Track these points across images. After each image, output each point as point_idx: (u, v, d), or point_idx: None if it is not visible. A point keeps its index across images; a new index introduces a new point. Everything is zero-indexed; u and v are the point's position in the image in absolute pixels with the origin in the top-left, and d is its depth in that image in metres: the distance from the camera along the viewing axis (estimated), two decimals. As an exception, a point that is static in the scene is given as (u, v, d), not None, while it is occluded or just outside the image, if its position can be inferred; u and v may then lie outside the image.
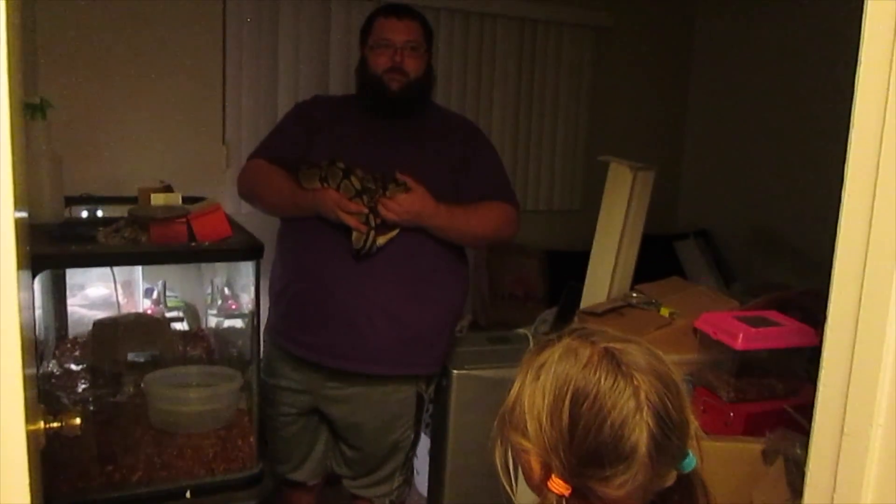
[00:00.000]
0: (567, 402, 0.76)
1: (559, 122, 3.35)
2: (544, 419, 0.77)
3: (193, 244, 1.50)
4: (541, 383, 0.79)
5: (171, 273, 2.48)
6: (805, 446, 1.41)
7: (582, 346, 0.80)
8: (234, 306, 2.37)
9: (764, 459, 1.46)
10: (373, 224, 1.73)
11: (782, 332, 1.65)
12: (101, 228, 1.58)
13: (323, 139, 1.87)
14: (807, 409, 1.55)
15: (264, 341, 1.93)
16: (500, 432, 0.84)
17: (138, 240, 1.51)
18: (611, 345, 0.79)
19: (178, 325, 2.36)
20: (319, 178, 1.75)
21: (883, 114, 0.79)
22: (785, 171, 2.99)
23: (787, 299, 1.99)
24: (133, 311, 2.34)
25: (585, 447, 0.75)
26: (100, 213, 2.23)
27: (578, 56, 3.31)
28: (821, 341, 1.67)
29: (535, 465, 0.80)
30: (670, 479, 0.81)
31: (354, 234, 1.72)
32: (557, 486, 0.76)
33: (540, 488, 0.80)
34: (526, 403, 0.79)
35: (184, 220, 1.50)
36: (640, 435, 0.75)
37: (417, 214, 1.75)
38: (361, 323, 1.78)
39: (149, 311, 2.37)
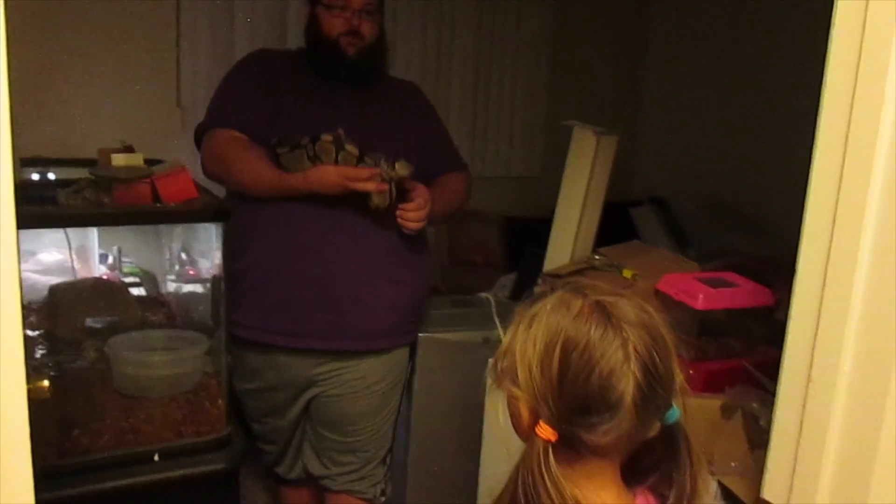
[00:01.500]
0: (557, 351, 0.79)
1: (518, 88, 3.36)
2: (534, 367, 0.80)
3: (159, 205, 1.47)
4: (532, 333, 0.81)
5: (126, 239, 2.43)
6: (762, 401, 1.48)
7: (574, 298, 0.82)
8: (192, 272, 2.34)
9: (723, 414, 1.51)
10: (390, 177, 1.65)
11: (740, 293, 1.70)
12: (59, 190, 1.54)
13: (286, 112, 1.76)
14: (764, 367, 1.62)
15: (234, 348, 1.79)
16: (493, 377, 0.86)
17: (101, 201, 1.48)
18: (602, 298, 0.82)
19: (136, 291, 2.32)
20: (308, 158, 1.64)
21: (854, 81, 0.82)
22: (739, 140, 3.05)
23: (739, 264, 2.05)
24: (89, 276, 2.29)
25: (573, 395, 0.78)
26: (51, 176, 2.17)
27: (538, 22, 3.32)
28: (776, 302, 1.73)
29: (524, 412, 0.82)
30: (654, 430, 0.84)
31: (375, 196, 1.65)
32: (545, 431, 0.79)
33: (528, 434, 0.82)
34: (517, 352, 0.82)
35: (148, 180, 1.47)
36: (627, 385, 0.78)
37: (428, 204, 1.72)
38: (367, 297, 1.74)
39: (105, 278, 2.33)
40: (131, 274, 2.44)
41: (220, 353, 1.71)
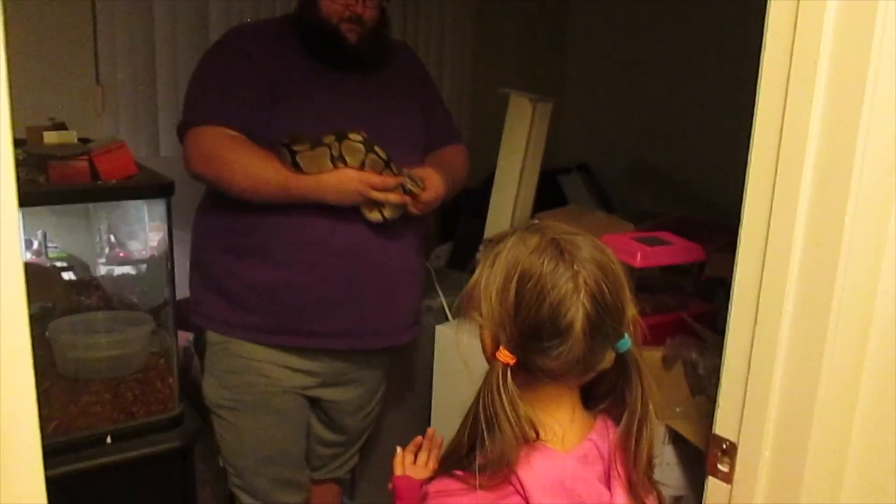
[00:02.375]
0: (514, 282, 0.85)
1: (444, 60, 3.38)
2: (494, 297, 0.87)
3: (99, 182, 1.44)
4: (495, 267, 0.88)
5: (52, 223, 2.34)
6: (700, 351, 1.56)
7: (532, 235, 0.89)
8: (122, 254, 2.29)
9: (664, 365, 1.59)
10: (416, 190, 1.52)
11: (674, 250, 1.79)
12: (-13, 171, 1.48)
13: (284, 103, 1.57)
14: (698, 318, 1.71)
15: (221, 349, 1.64)
16: (462, 311, 0.93)
17: (36, 180, 1.43)
18: (558, 235, 0.88)
19: (66, 276, 2.26)
20: (331, 158, 1.47)
21: (791, 46, 0.87)
22: (661, 106, 3.15)
23: (665, 226, 2.14)
24: (14, 262, 2.21)
25: (527, 322, 0.85)
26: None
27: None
28: (706, 257, 1.82)
29: (488, 339, 0.90)
30: (609, 361, 0.91)
31: (390, 208, 1.53)
32: (504, 356, 0.86)
33: (491, 360, 0.89)
34: (482, 285, 0.89)
35: (86, 157, 1.43)
36: (577, 314, 0.84)
37: (439, 196, 1.61)
38: (397, 291, 1.65)
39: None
40: (59, 258, 2.36)
41: (165, 332, 1.69)
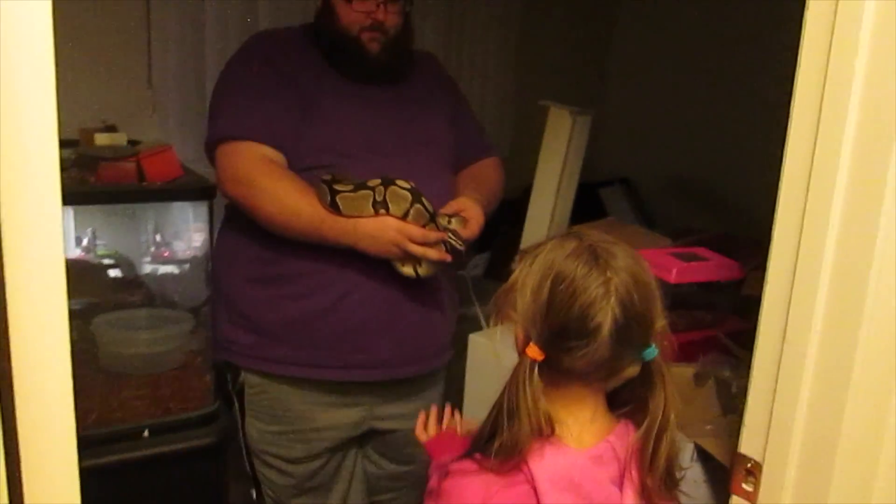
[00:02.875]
0: (549, 282, 0.89)
1: (488, 71, 3.39)
2: (528, 295, 0.91)
3: (145, 184, 1.49)
4: (532, 267, 0.92)
5: (101, 221, 2.42)
6: (733, 369, 1.55)
7: (570, 241, 0.93)
8: (166, 253, 2.35)
9: (696, 381, 1.58)
10: (459, 246, 1.42)
11: (711, 267, 1.77)
12: (41, 170, 1.54)
13: (313, 118, 1.49)
14: (734, 336, 1.70)
15: (255, 388, 1.58)
16: (497, 308, 0.97)
17: (86, 180, 1.49)
18: (595, 243, 0.92)
19: (112, 273, 2.33)
20: (373, 203, 1.36)
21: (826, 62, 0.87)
22: (704, 121, 3.12)
23: (705, 242, 2.12)
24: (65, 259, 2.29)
25: (557, 321, 0.88)
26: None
27: (504, 1, 3.34)
28: (744, 276, 1.80)
29: (520, 334, 0.93)
30: (634, 369, 0.93)
31: (426, 265, 1.43)
32: (532, 351, 0.90)
33: (519, 356, 0.92)
34: (519, 283, 0.93)
35: (134, 159, 1.48)
36: (605, 318, 0.87)
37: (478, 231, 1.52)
38: (435, 316, 1.57)
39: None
40: (106, 256, 2.44)
41: (203, 331, 1.73)
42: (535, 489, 0.90)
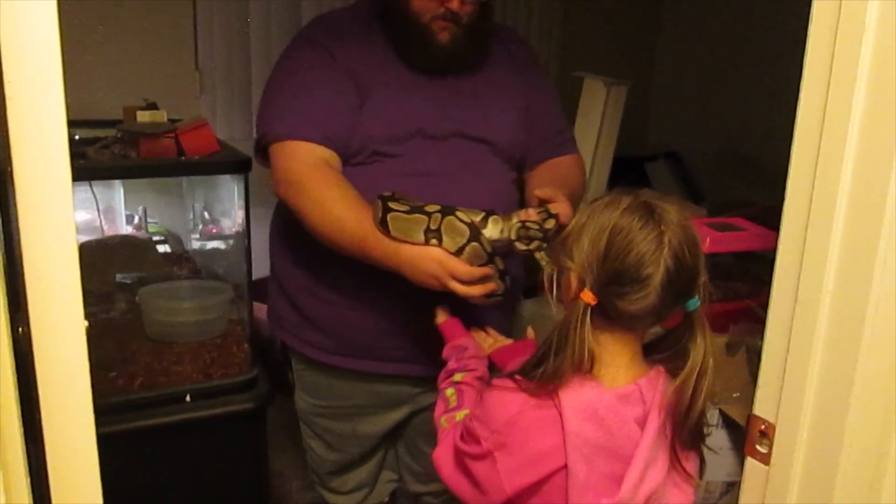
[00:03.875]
0: (606, 234, 0.96)
1: (531, 40, 3.37)
2: (586, 245, 0.97)
3: (183, 158, 1.54)
4: (588, 221, 0.99)
5: (151, 199, 2.51)
6: (762, 336, 1.53)
7: (626, 197, 0.99)
8: (214, 230, 2.43)
9: (727, 351, 1.57)
10: (495, 292, 1.24)
11: (745, 237, 1.75)
12: (86, 147, 1.61)
13: (372, 111, 1.41)
14: (767, 307, 1.67)
15: (301, 365, 1.59)
16: (553, 256, 1.06)
17: (128, 155, 1.55)
18: (649, 199, 0.98)
19: (161, 249, 2.42)
20: (426, 231, 1.21)
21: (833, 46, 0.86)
22: (752, 93, 3.06)
23: (752, 216, 2.09)
24: (116, 234, 2.38)
25: (613, 268, 0.95)
26: (76, 137, 2.25)
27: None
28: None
29: (574, 281, 0.99)
30: (676, 318, 1.00)
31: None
32: (587, 296, 0.96)
33: (573, 300, 0.98)
34: (574, 234, 1.00)
35: (172, 135, 1.54)
36: (658, 268, 0.94)
37: None
38: (482, 318, 1.42)
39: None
40: (156, 233, 2.53)
41: (242, 300, 1.79)
42: (560, 415, 0.97)
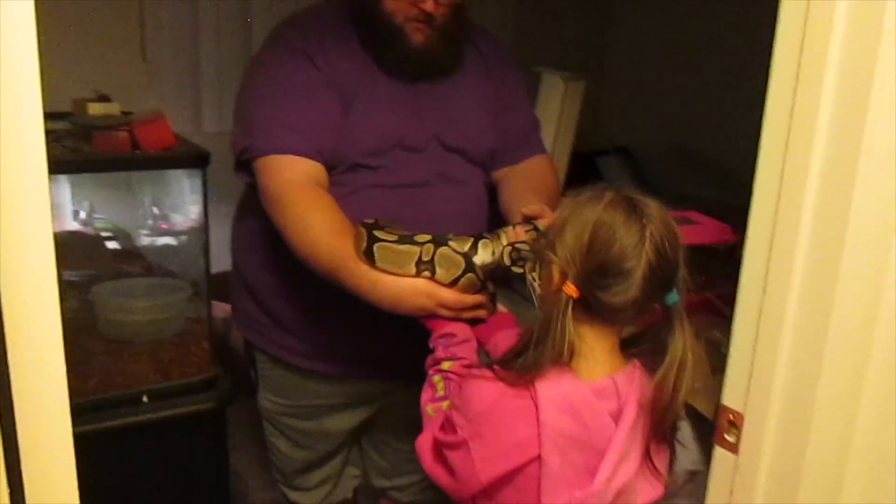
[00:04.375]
0: (590, 228, 0.97)
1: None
2: (570, 239, 0.99)
3: (139, 152, 1.50)
4: (572, 215, 1.00)
5: (98, 194, 2.44)
6: (724, 331, 1.57)
7: (608, 192, 1.00)
8: (164, 226, 2.37)
9: (687, 342, 1.60)
10: (494, 306, 1.25)
11: (702, 230, 1.79)
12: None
13: (352, 118, 1.37)
14: (725, 299, 1.71)
15: (267, 365, 1.56)
16: (534, 252, 1.08)
17: (80, 149, 1.50)
18: (630, 194, 1.00)
19: (111, 245, 2.35)
20: (416, 263, 1.16)
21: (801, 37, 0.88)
22: (703, 89, 3.12)
23: (703, 210, 2.13)
24: (63, 231, 2.31)
25: (596, 261, 0.97)
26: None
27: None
28: (737, 241, 1.82)
29: (556, 275, 1.00)
30: (655, 315, 1.02)
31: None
32: (570, 289, 0.97)
33: (554, 294, 1.00)
34: (558, 228, 1.01)
35: (127, 128, 1.49)
36: (640, 261, 0.96)
37: None
38: None
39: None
40: (104, 229, 2.46)
41: (200, 298, 1.76)
42: (536, 406, 0.99)
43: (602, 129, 3.71)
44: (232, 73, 2.72)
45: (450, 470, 1.06)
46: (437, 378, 1.17)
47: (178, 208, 2.29)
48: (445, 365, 1.17)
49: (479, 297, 1.20)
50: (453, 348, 1.19)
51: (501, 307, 1.34)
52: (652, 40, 3.39)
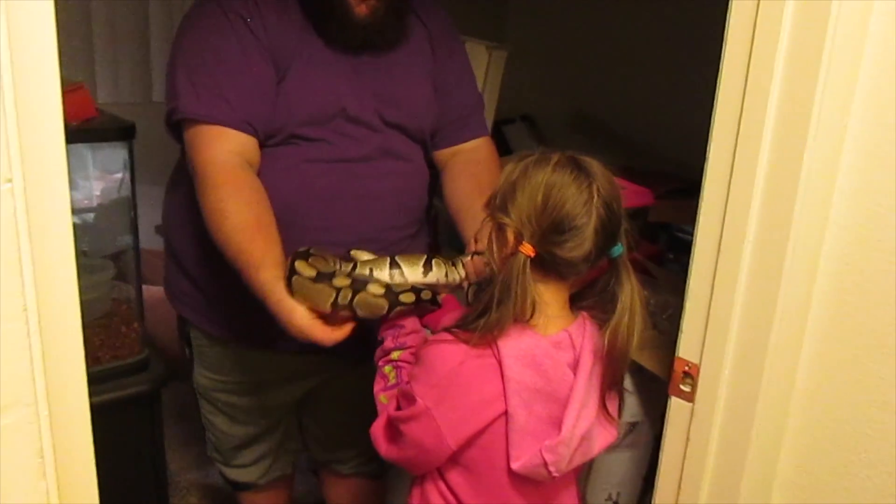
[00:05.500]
0: (542, 188, 1.02)
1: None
2: (523, 201, 1.03)
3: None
4: (521, 178, 1.04)
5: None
6: (651, 287, 1.64)
7: (552, 155, 1.05)
8: (85, 202, 2.25)
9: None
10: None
11: (628, 194, 1.85)
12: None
13: (287, 89, 1.33)
14: (648, 258, 1.79)
15: (203, 341, 1.52)
16: (490, 212, 1.09)
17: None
18: (573, 154, 1.05)
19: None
20: (332, 304, 1.11)
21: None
22: (605, 57, 3.20)
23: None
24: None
25: (550, 219, 1.01)
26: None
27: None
28: (653, 202, 1.90)
29: (511, 236, 1.04)
30: (602, 267, 1.08)
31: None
32: (526, 248, 1.02)
33: (510, 255, 1.04)
34: (509, 193, 1.05)
35: (45, 99, 1.39)
36: (591, 216, 1.01)
37: None
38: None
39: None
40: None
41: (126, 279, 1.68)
42: (500, 363, 1.04)
43: (505, 97, 3.75)
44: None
45: (412, 447, 1.08)
46: (387, 368, 1.19)
47: (77, 185, 2.17)
48: (395, 355, 1.19)
49: (347, 331, 1.14)
50: (402, 338, 1.21)
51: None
52: (552, 7, 3.44)
